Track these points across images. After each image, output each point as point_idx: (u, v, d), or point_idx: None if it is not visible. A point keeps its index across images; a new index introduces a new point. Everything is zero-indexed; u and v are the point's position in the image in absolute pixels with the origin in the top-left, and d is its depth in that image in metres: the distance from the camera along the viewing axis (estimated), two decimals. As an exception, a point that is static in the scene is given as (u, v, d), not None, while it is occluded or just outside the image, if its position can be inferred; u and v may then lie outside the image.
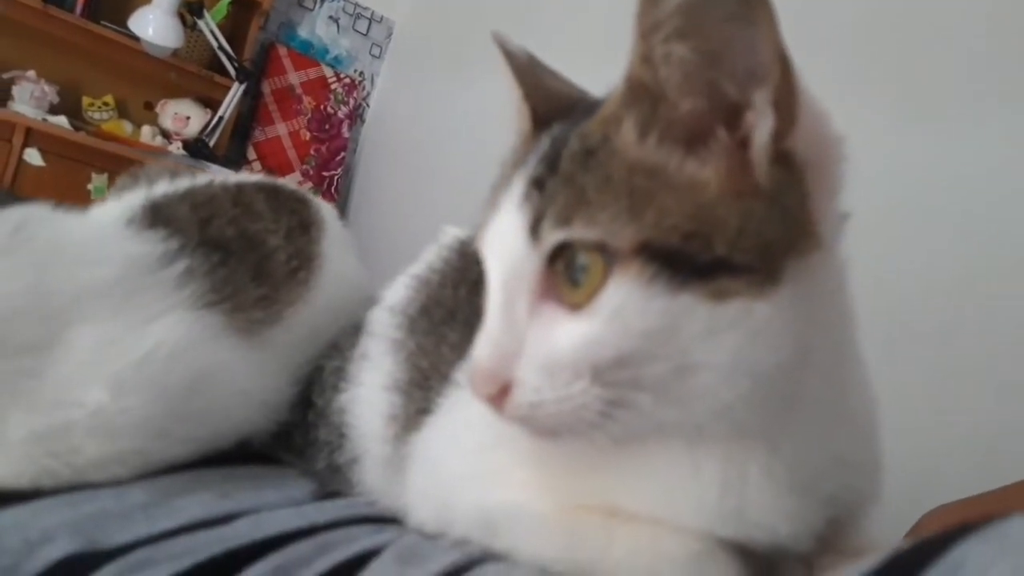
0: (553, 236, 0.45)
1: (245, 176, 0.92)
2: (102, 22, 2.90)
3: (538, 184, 0.46)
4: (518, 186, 0.48)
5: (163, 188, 0.83)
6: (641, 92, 0.46)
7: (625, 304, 0.43)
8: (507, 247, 0.47)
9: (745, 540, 0.51)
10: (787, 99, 0.44)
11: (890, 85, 1.68)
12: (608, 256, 0.44)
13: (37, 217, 0.68)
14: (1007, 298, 1.54)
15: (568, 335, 0.45)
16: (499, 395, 0.46)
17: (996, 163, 1.60)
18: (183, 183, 0.84)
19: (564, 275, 0.45)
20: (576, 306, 0.45)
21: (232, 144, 3.30)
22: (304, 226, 0.86)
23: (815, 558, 0.56)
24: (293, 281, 0.81)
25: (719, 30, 0.42)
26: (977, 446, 1.52)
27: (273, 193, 0.88)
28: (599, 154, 0.46)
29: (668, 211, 0.43)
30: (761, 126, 0.44)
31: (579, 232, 0.44)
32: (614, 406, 0.45)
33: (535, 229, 0.45)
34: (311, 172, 3.48)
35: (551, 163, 0.47)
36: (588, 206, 0.44)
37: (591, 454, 0.53)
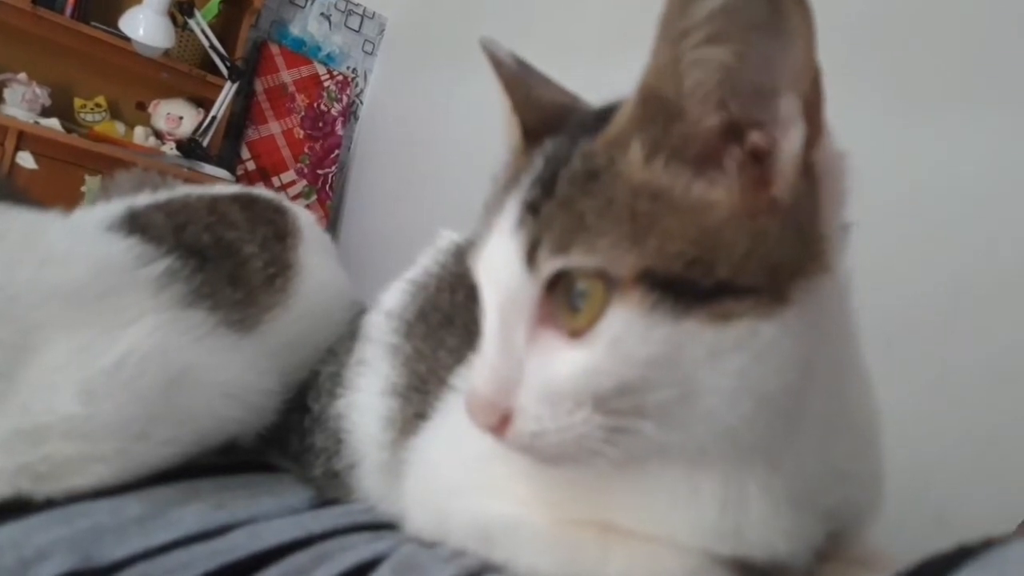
0: (550, 264, 0.43)
1: (223, 188, 0.92)
2: (92, 23, 2.88)
3: (532, 208, 0.45)
4: (511, 209, 0.46)
5: (143, 198, 0.83)
6: (655, 107, 0.44)
7: (626, 333, 0.42)
8: (502, 273, 0.46)
9: (743, 557, 0.51)
10: (816, 107, 0.43)
11: (885, 83, 1.68)
12: (609, 282, 0.42)
13: (11, 217, 0.68)
14: (1005, 294, 1.54)
15: (568, 364, 0.44)
16: (499, 424, 0.45)
17: (992, 161, 1.60)
18: (162, 194, 0.85)
19: (563, 301, 0.44)
20: (576, 332, 0.44)
21: (226, 144, 3.29)
22: (280, 235, 0.87)
23: (816, 568, 0.55)
24: (271, 288, 0.81)
25: (757, 35, 0.41)
26: (975, 442, 1.52)
27: (248, 203, 0.88)
28: (602, 177, 0.44)
29: (671, 236, 0.42)
30: (792, 136, 0.43)
31: (578, 260, 0.43)
32: (617, 433, 0.44)
33: (531, 256, 0.44)
34: (305, 170, 3.47)
35: (546, 185, 0.45)
36: (587, 232, 0.42)
37: (589, 473, 0.52)
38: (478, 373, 0.46)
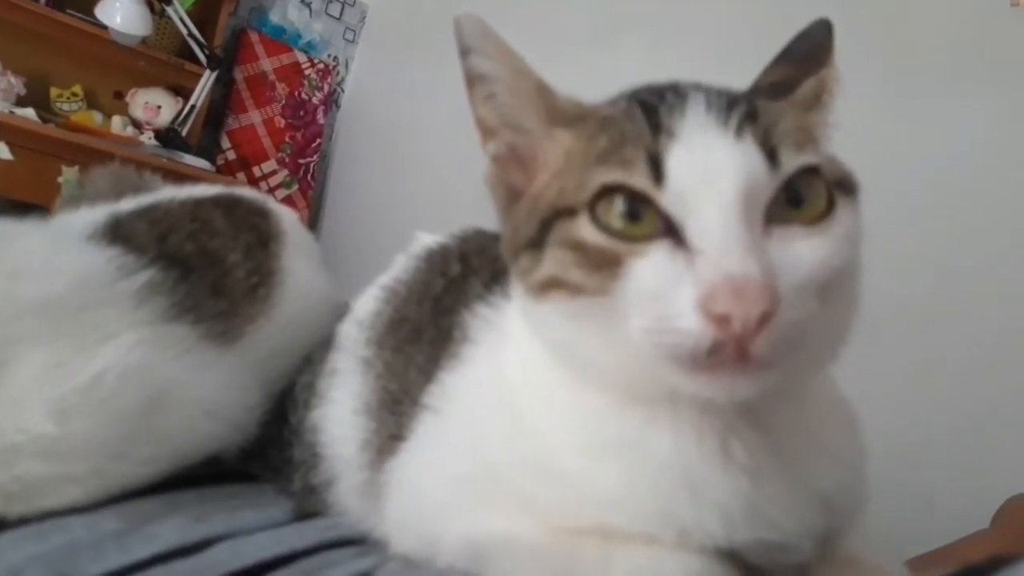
0: (795, 161, 0.48)
1: (204, 189, 0.90)
2: (68, 11, 2.83)
3: (752, 123, 0.48)
4: (716, 123, 0.48)
5: (126, 203, 0.81)
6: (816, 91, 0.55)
7: (851, 221, 0.49)
8: (738, 172, 0.46)
9: (749, 544, 0.51)
10: None
11: (873, 73, 1.67)
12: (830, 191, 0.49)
13: None
14: (988, 281, 1.54)
15: (811, 250, 0.47)
16: (761, 318, 0.43)
17: (976, 150, 1.61)
18: (145, 197, 0.82)
19: (782, 196, 0.47)
20: (810, 222, 0.48)
21: (205, 133, 3.24)
22: (263, 241, 0.85)
23: (810, 571, 0.55)
24: (253, 297, 0.80)
25: None
26: (960, 427, 1.53)
27: (231, 208, 0.86)
28: (794, 116, 0.52)
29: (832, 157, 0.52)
30: None
31: (815, 159, 0.49)
32: (819, 324, 0.47)
33: (773, 156, 0.47)
34: (287, 160, 3.43)
35: (749, 111, 0.49)
36: (810, 142, 0.50)
37: (585, 476, 0.52)
38: (737, 261, 0.44)
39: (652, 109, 0.50)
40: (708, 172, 0.46)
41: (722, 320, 0.42)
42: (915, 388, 1.54)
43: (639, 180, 0.47)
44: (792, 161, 0.48)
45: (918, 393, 1.55)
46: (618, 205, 0.47)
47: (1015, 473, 1.31)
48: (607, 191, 0.47)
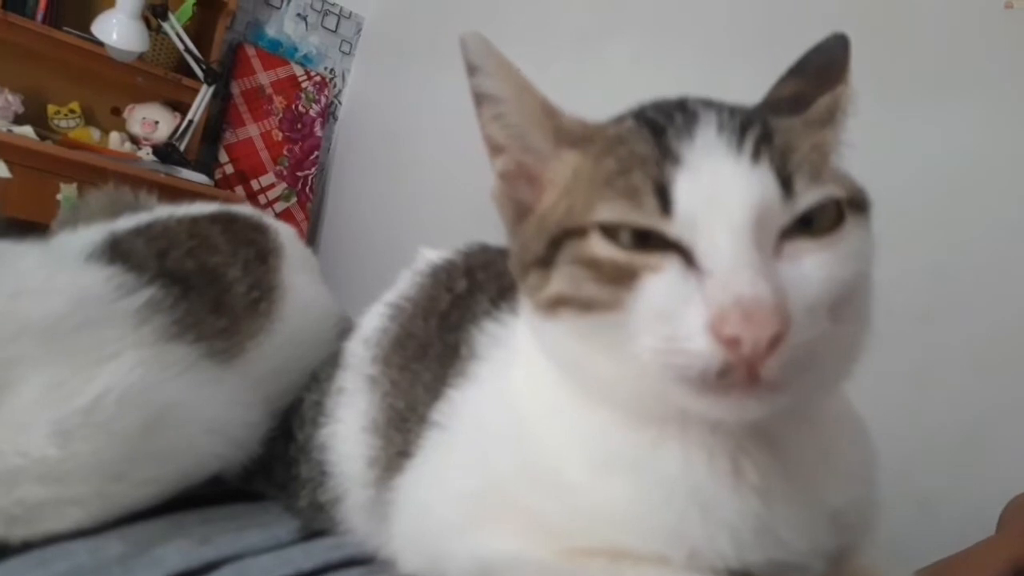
0: (813, 194, 0.47)
1: (200, 207, 0.89)
2: (64, 28, 2.84)
3: (767, 149, 0.48)
4: (729, 149, 0.47)
5: (123, 222, 0.80)
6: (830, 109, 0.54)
7: (860, 238, 0.49)
8: (751, 197, 0.46)
9: (760, 564, 0.50)
10: None
11: (865, 77, 1.68)
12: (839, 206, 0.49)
13: None
14: (984, 282, 1.54)
15: (819, 267, 0.46)
16: (771, 341, 0.42)
17: (969, 152, 1.61)
18: (142, 216, 0.82)
19: (798, 220, 0.47)
20: (815, 237, 0.47)
21: (203, 147, 3.25)
22: (262, 256, 0.85)
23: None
24: (254, 312, 0.79)
25: None
26: (956, 429, 1.53)
27: (228, 223, 0.86)
28: (808, 136, 0.51)
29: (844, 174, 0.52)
30: None
31: (832, 191, 0.48)
32: (831, 344, 0.47)
33: (788, 185, 0.47)
34: (285, 173, 3.44)
35: (763, 135, 0.48)
36: (825, 169, 0.49)
37: (594, 494, 0.52)
38: (747, 282, 0.43)
39: (660, 130, 0.49)
40: (719, 197, 0.46)
41: (732, 342, 0.42)
42: (915, 389, 1.54)
43: (644, 215, 0.46)
44: (808, 195, 0.47)
45: (918, 394, 1.54)
46: (624, 236, 0.47)
47: (1016, 475, 1.31)
48: (612, 227, 0.47)
